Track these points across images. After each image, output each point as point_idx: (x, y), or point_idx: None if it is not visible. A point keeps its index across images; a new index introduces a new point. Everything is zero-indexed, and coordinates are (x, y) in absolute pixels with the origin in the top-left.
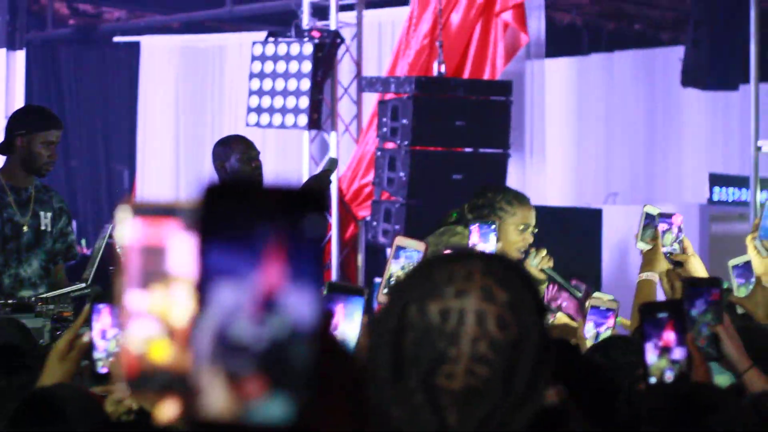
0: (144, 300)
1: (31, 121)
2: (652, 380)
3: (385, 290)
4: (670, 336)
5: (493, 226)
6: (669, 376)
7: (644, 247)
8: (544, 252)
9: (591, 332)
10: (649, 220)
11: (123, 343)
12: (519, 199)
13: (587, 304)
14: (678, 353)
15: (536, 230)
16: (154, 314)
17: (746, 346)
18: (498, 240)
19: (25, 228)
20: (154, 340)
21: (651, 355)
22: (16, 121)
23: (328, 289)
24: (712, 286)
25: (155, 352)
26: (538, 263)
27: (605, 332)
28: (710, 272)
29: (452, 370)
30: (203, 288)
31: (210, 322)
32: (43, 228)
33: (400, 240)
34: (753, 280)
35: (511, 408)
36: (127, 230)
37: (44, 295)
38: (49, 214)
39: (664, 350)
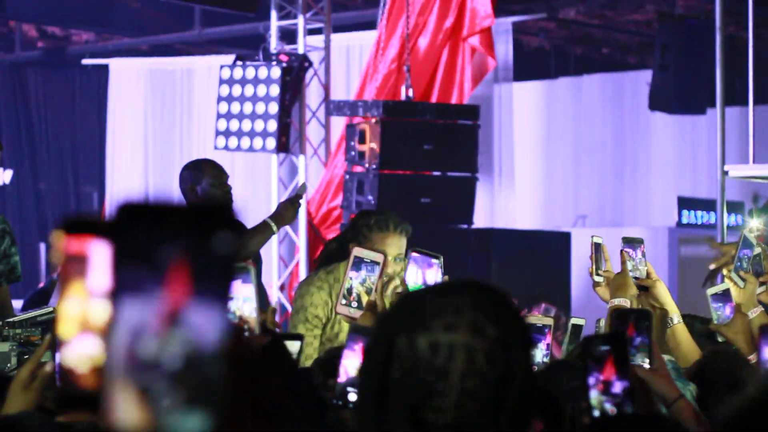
0: (77, 317)
1: None
2: (596, 413)
3: (343, 301)
4: (610, 369)
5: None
6: (611, 410)
7: (600, 279)
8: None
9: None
10: (599, 251)
11: (61, 362)
12: (379, 225)
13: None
14: (618, 386)
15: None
16: (90, 331)
17: (713, 368)
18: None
19: None
20: (93, 357)
21: (593, 389)
22: None
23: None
24: (639, 318)
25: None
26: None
27: (542, 350)
28: (680, 293)
29: (441, 404)
30: (114, 304)
31: (119, 338)
32: None
33: (358, 251)
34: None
35: None
36: (58, 249)
37: (11, 320)
38: None
39: (606, 383)
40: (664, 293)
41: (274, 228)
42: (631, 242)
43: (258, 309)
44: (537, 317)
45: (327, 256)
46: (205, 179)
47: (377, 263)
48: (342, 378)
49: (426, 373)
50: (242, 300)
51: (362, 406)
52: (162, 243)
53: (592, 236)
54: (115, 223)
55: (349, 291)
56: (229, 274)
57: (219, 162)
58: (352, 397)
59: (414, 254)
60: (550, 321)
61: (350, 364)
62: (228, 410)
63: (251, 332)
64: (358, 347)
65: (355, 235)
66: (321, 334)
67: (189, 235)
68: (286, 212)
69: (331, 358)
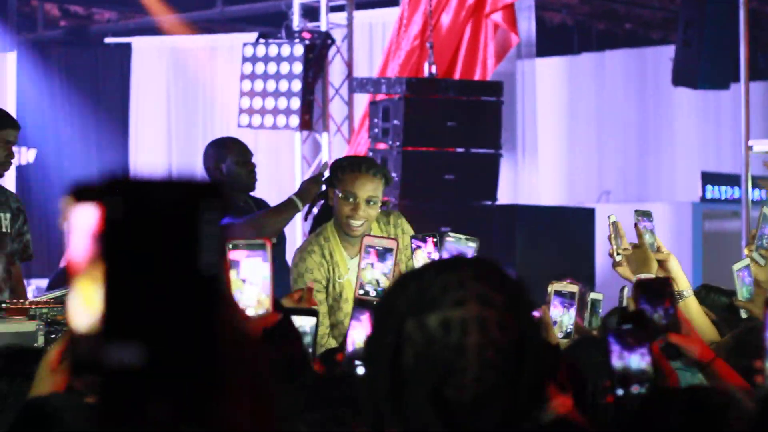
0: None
1: None
2: (620, 392)
3: (361, 291)
4: (634, 346)
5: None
6: (635, 387)
7: (619, 258)
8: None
9: (558, 317)
10: (616, 230)
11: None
12: (351, 167)
13: (549, 290)
14: (641, 363)
15: (372, 202)
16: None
17: (751, 344)
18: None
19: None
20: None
21: (617, 366)
22: None
23: None
24: (663, 286)
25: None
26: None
27: (571, 316)
28: (704, 268)
29: (462, 380)
30: (105, 270)
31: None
32: (3, 230)
33: (368, 240)
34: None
35: (522, 409)
36: (69, 216)
37: (37, 299)
38: (8, 216)
39: (630, 360)
40: (675, 266)
41: (299, 205)
42: (644, 215)
43: (272, 287)
44: (563, 284)
45: (316, 219)
46: (229, 157)
47: (390, 249)
48: (349, 348)
49: (442, 352)
50: (259, 277)
51: (375, 398)
52: (149, 214)
53: (609, 216)
54: (109, 191)
55: (378, 282)
56: (217, 249)
57: (243, 140)
58: (360, 370)
59: (449, 239)
60: (576, 288)
61: (357, 334)
62: (216, 388)
63: (264, 311)
64: (365, 317)
65: (330, 181)
66: (326, 297)
67: (176, 207)
68: (310, 189)
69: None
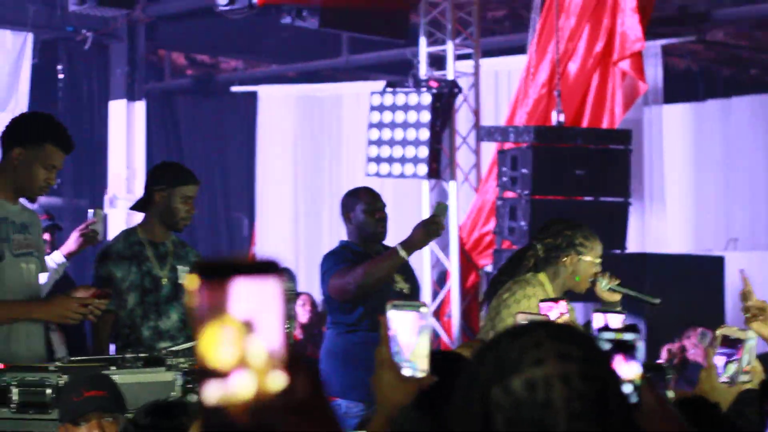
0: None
1: (170, 176)
2: None
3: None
4: None
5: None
6: None
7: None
8: (607, 274)
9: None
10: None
11: (210, 398)
12: (593, 234)
13: (717, 334)
14: None
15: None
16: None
17: None
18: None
19: (164, 281)
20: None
21: None
22: (154, 176)
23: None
24: None
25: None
26: (607, 284)
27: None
28: None
29: None
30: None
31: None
32: (181, 281)
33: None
34: None
35: None
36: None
37: (174, 348)
38: (186, 268)
39: None
40: None
41: (403, 254)
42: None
43: (429, 348)
44: (731, 329)
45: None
46: (358, 206)
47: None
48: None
49: (530, 412)
50: (416, 338)
51: None
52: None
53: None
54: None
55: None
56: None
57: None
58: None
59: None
60: (743, 335)
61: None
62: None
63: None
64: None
65: (572, 246)
66: None
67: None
68: (417, 237)
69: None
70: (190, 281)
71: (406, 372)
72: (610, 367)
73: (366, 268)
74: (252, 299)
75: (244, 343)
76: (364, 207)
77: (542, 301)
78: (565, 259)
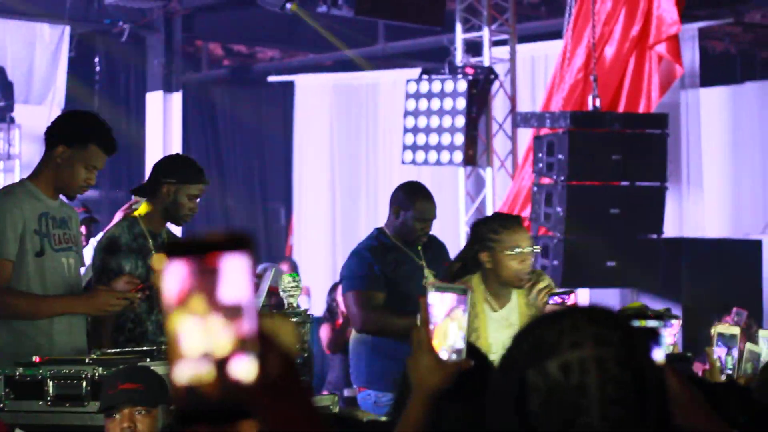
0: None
1: (181, 172)
2: None
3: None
4: None
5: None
6: None
7: None
8: (543, 283)
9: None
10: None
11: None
12: (503, 224)
13: (712, 332)
14: None
15: (537, 249)
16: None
17: None
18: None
19: None
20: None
21: None
22: (166, 168)
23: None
24: None
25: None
26: (537, 298)
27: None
28: None
29: (588, 419)
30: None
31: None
32: None
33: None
34: None
35: None
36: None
37: None
38: None
39: None
40: None
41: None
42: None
43: (467, 333)
44: (725, 327)
45: (452, 278)
46: (411, 212)
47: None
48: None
49: (565, 395)
50: (458, 323)
51: None
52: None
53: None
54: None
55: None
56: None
57: (406, 176)
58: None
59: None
60: (737, 331)
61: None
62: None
63: (459, 356)
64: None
65: (483, 245)
66: None
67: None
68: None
69: None
70: (158, 261)
71: (443, 355)
72: (647, 354)
73: (379, 325)
74: (221, 276)
75: (214, 322)
76: (415, 215)
77: (552, 294)
78: (482, 255)
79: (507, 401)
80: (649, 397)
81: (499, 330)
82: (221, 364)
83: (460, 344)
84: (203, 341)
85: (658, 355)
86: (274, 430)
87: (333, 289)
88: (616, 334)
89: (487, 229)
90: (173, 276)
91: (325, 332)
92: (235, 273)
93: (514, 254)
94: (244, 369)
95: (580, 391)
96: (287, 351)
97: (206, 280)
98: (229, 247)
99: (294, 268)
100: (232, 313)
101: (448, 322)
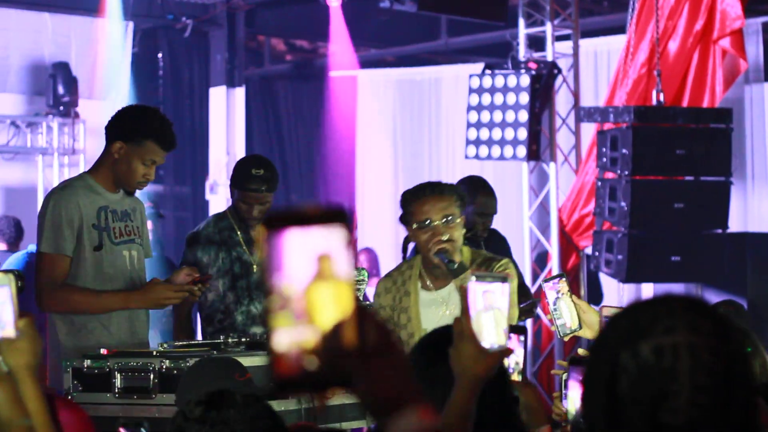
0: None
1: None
2: None
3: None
4: None
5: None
6: None
7: None
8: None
9: None
10: None
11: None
12: (414, 193)
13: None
14: None
15: (458, 220)
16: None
17: None
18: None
19: (255, 266)
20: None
21: None
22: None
23: None
24: None
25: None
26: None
27: None
28: None
29: (675, 405)
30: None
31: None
32: None
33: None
34: None
35: (735, 430)
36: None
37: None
38: None
39: None
40: None
41: None
42: None
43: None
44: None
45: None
46: (473, 205)
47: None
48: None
49: (655, 378)
50: (500, 311)
51: (594, 428)
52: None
53: None
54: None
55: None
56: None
57: (469, 171)
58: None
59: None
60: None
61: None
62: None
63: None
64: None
65: (403, 218)
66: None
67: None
68: None
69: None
70: (258, 233)
71: (485, 344)
72: (740, 347)
73: None
74: (319, 246)
75: (314, 291)
76: (476, 210)
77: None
78: (410, 232)
79: (598, 382)
80: (737, 388)
81: (430, 308)
82: (322, 332)
83: (501, 332)
84: (304, 310)
85: None
86: (371, 394)
87: None
88: (709, 323)
89: (402, 200)
90: (274, 247)
91: None
92: (333, 244)
93: (423, 228)
94: (345, 337)
95: (670, 375)
96: (382, 320)
97: (306, 251)
98: (328, 219)
99: (374, 259)
100: (332, 282)
101: (487, 312)
